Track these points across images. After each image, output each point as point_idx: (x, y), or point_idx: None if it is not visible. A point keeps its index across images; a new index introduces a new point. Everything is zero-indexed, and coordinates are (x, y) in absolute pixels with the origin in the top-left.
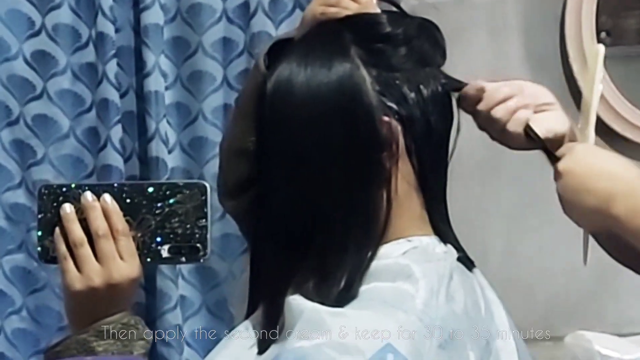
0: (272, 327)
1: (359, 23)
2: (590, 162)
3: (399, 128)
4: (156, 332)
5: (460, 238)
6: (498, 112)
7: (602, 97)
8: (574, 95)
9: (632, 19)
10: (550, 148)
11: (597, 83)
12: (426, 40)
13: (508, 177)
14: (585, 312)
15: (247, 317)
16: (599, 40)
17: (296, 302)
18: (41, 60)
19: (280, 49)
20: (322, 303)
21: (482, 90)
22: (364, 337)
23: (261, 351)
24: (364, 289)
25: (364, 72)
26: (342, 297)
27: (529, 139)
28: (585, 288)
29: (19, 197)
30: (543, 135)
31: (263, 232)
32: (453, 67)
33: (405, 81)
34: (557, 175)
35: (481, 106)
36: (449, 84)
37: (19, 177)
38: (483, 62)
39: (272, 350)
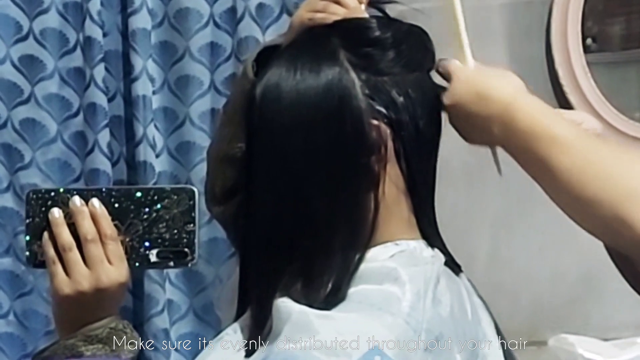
0: (260, 330)
1: (348, 27)
2: (470, 88)
3: (388, 132)
4: (144, 336)
5: (445, 242)
6: None
7: (588, 103)
8: (560, 100)
9: (617, 26)
10: None
11: (457, 3)
12: (415, 44)
13: (494, 183)
14: (570, 317)
15: (235, 319)
16: (585, 47)
17: (284, 304)
18: (29, 65)
19: (268, 56)
20: (310, 305)
21: None
22: (351, 339)
23: (249, 354)
24: (351, 291)
25: (353, 75)
26: (330, 299)
27: None
28: (570, 293)
29: (7, 201)
30: None
31: (251, 234)
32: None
33: (394, 85)
34: (445, 108)
35: None
36: (437, 89)
37: (7, 181)
38: None
39: (260, 353)
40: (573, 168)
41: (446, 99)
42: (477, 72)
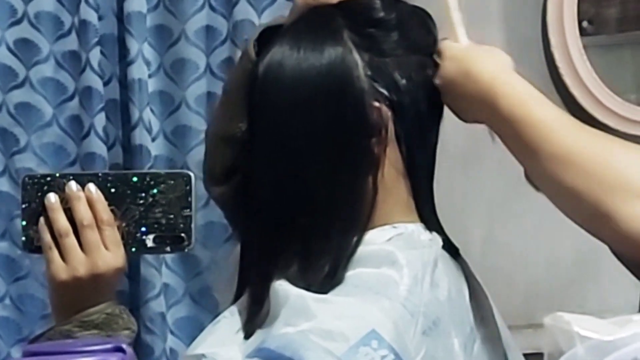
0: (257, 312)
1: (352, 8)
2: (453, 68)
3: (389, 114)
4: (140, 320)
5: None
6: None
7: (584, 85)
8: (556, 82)
9: (613, 8)
10: None
11: None
12: (418, 26)
13: (490, 166)
14: (566, 300)
15: (233, 302)
16: (581, 29)
17: (282, 287)
18: (24, 48)
19: (270, 36)
20: (308, 288)
21: None
22: (349, 323)
23: (247, 336)
24: (349, 274)
25: (356, 56)
26: (327, 282)
27: None
28: (566, 276)
29: (2, 185)
30: None
31: (250, 216)
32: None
33: (397, 67)
34: (439, 86)
35: None
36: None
37: (2, 165)
38: None
39: (258, 335)
40: (556, 156)
41: (437, 78)
42: (466, 50)
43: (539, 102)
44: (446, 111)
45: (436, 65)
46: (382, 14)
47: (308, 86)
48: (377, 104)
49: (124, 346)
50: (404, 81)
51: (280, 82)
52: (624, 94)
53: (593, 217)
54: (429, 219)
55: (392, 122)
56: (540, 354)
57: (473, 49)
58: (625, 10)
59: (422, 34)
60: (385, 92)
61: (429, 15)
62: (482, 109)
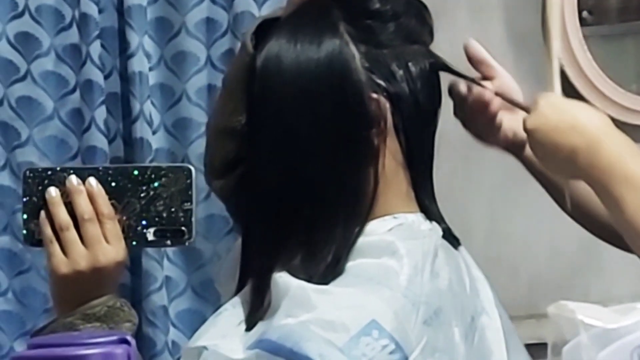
0: (259, 304)
1: (348, 0)
2: (555, 116)
3: (387, 105)
4: (142, 313)
5: (443, 216)
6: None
7: (585, 75)
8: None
9: None
10: None
11: (554, 29)
12: (414, 17)
13: (492, 156)
14: (569, 290)
15: (235, 294)
16: (581, 20)
17: (282, 279)
18: (25, 42)
19: (267, 28)
20: (309, 280)
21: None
22: (349, 313)
23: (248, 328)
24: (349, 265)
25: (353, 48)
26: (329, 272)
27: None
28: (569, 266)
29: (4, 179)
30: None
31: (251, 208)
32: (434, 46)
33: (394, 58)
34: (527, 133)
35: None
36: (437, 62)
37: (4, 159)
38: (464, 40)
39: (259, 327)
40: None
41: (529, 123)
42: (567, 101)
43: (638, 158)
44: (446, 103)
45: (437, 60)
46: (377, 6)
47: (306, 79)
48: (375, 95)
49: (129, 338)
50: (401, 72)
51: (278, 75)
52: (625, 84)
53: None
54: (429, 209)
55: (391, 113)
56: (543, 344)
57: (572, 102)
58: (626, 0)
59: (417, 24)
60: (382, 83)
61: (424, 6)
62: (581, 160)
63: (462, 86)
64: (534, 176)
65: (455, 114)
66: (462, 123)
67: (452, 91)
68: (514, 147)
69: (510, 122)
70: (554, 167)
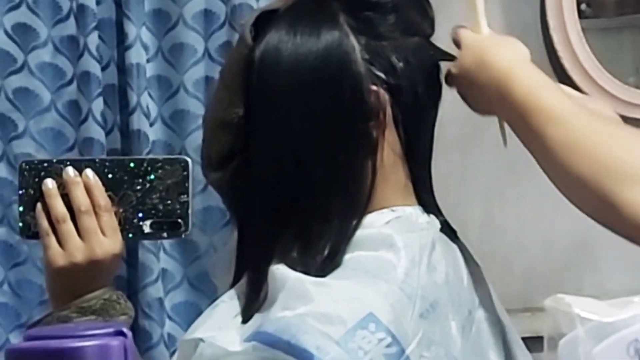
0: (256, 296)
1: None
2: (469, 57)
3: (387, 97)
4: (138, 305)
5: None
6: None
7: (583, 68)
8: (554, 66)
9: None
10: None
11: None
12: (414, 9)
13: (488, 151)
14: (563, 283)
15: (231, 287)
16: (580, 12)
17: (280, 271)
18: (22, 33)
19: (266, 20)
20: (306, 272)
21: None
22: (346, 306)
23: (245, 320)
24: (347, 258)
25: (353, 40)
26: (326, 265)
27: None
28: (564, 260)
29: (1, 170)
30: None
31: (249, 199)
32: (433, 38)
33: (394, 50)
34: (452, 75)
35: None
36: (438, 56)
37: (0, 150)
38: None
39: (256, 319)
40: (564, 144)
41: (453, 67)
42: (485, 39)
43: (554, 92)
44: (445, 95)
45: (438, 52)
46: None
47: (305, 71)
48: (374, 87)
49: (125, 330)
50: (401, 64)
51: (277, 67)
52: (623, 77)
53: (597, 204)
54: (427, 202)
55: (390, 106)
56: (538, 338)
57: (491, 38)
58: None
59: (418, 16)
60: (382, 75)
61: None
62: (495, 96)
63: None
64: None
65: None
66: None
67: (448, 78)
68: None
69: None
70: (478, 108)
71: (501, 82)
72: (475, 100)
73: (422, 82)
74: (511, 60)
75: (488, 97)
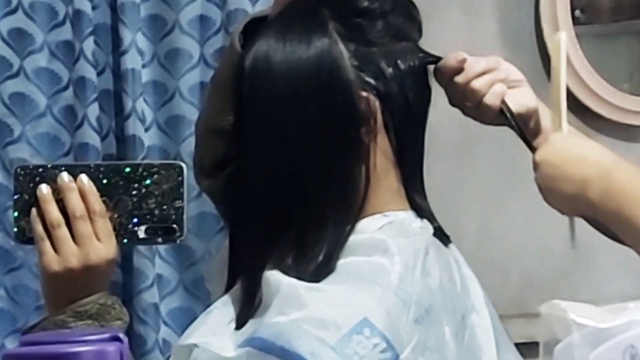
0: (250, 302)
1: None
2: (566, 150)
3: (377, 103)
4: (133, 310)
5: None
6: (477, 84)
7: (577, 75)
8: (548, 72)
9: None
10: (522, 123)
11: (562, 72)
12: (402, 14)
13: (483, 156)
14: (559, 290)
15: (225, 292)
16: (574, 19)
17: (274, 277)
18: (18, 38)
19: (255, 27)
20: (300, 278)
21: (463, 62)
22: (341, 312)
23: (239, 326)
24: (340, 263)
25: (342, 47)
26: (320, 271)
27: (501, 114)
28: (560, 266)
29: None
30: (516, 110)
31: (242, 206)
32: (428, 45)
33: (383, 56)
34: (535, 165)
35: (460, 78)
36: (425, 59)
37: None
38: (457, 39)
39: (250, 325)
40: None
41: (538, 155)
42: (573, 135)
43: None
44: (438, 102)
45: (426, 57)
46: (366, 4)
47: (296, 78)
48: (364, 93)
49: (121, 335)
50: (390, 69)
51: (267, 75)
52: (617, 83)
53: None
54: (420, 206)
55: (381, 111)
56: (534, 343)
57: (579, 136)
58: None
59: (406, 21)
60: (372, 81)
61: (412, 3)
62: (593, 190)
63: (452, 61)
64: None
65: (451, 103)
66: (462, 111)
67: (437, 75)
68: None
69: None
70: (559, 200)
71: (603, 176)
72: (558, 193)
73: (412, 87)
74: (610, 156)
75: (583, 191)
